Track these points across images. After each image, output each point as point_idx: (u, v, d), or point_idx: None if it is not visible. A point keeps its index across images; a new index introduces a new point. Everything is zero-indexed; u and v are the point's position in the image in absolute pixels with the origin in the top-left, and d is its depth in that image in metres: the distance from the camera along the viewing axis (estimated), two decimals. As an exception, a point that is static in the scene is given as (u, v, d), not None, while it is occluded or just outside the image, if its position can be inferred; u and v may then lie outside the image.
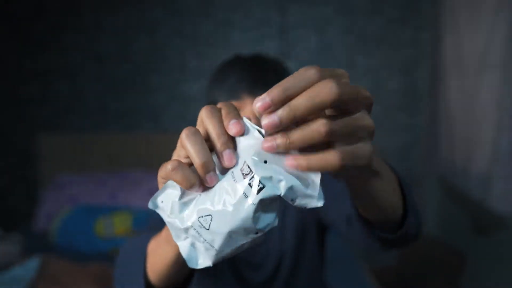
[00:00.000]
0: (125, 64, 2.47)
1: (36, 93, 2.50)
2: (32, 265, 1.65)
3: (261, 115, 0.32)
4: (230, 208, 0.34)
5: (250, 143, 0.34)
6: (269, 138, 0.32)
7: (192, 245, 0.38)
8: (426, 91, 2.43)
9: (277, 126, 0.31)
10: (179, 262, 0.49)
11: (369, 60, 2.43)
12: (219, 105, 0.38)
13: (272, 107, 0.31)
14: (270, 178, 0.33)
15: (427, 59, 2.40)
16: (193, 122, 2.50)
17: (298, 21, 2.41)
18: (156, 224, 0.82)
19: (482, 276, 1.86)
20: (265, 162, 0.33)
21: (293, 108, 0.31)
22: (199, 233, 0.36)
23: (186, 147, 0.35)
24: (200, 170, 0.35)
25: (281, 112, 0.31)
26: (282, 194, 0.33)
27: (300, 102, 0.31)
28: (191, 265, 0.38)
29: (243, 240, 0.35)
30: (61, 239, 1.94)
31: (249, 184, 0.33)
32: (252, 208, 0.33)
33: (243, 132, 0.35)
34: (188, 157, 0.37)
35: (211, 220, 0.35)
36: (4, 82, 2.49)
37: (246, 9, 2.41)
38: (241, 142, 0.35)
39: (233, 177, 0.34)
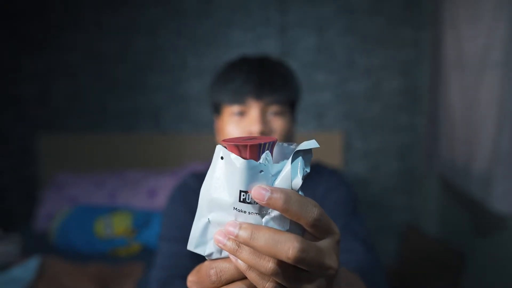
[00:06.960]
0: (125, 64, 2.47)
1: (36, 93, 2.49)
2: (31, 265, 1.65)
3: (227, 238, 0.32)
4: None
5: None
6: (222, 234, 0.32)
7: None
8: (426, 91, 2.43)
9: (231, 235, 0.31)
10: None
11: (369, 60, 2.42)
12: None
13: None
14: None
15: (427, 59, 2.40)
16: (193, 122, 2.50)
17: (298, 20, 2.41)
18: (168, 233, 0.81)
19: (482, 276, 1.86)
20: None
21: (253, 239, 0.31)
22: None
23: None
24: None
25: (242, 234, 0.31)
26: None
27: (262, 241, 0.30)
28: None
29: None
30: (60, 239, 1.94)
31: None
32: None
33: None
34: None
35: None
36: (4, 81, 2.49)
37: (246, 9, 2.41)
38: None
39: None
